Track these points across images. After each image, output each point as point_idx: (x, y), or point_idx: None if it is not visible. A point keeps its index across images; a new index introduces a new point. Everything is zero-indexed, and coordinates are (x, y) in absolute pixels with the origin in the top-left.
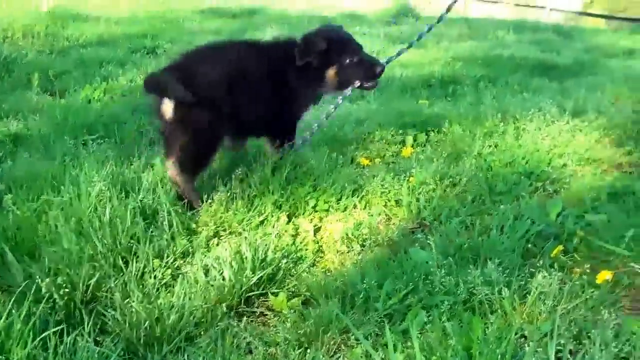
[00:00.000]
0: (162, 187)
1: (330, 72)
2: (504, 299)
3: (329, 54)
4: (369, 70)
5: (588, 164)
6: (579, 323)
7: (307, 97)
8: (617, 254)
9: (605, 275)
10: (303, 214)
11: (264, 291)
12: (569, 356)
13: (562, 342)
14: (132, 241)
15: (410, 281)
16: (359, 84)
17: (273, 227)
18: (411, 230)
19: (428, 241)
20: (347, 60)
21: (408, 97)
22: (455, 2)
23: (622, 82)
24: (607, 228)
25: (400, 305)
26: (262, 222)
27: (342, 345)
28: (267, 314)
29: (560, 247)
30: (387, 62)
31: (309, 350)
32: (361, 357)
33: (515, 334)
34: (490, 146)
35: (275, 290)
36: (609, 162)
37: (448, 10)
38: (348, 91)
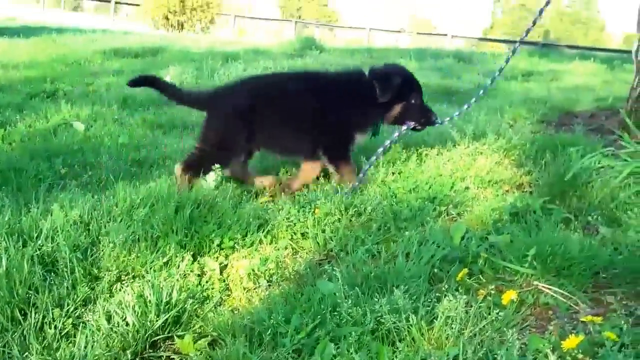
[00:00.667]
0: (62, 234)
1: (396, 108)
2: (411, 325)
3: (400, 91)
4: (426, 115)
5: (490, 186)
6: (487, 344)
7: (363, 126)
8: (521, 273)
9: (510, 296)
10: (208, 252)
11: (169, 334)
12: None
13: None
14: (30, 291)
15: (318, 314)
16: (412, 125)
17: (178, 267)
18: (318, 262)
19: (335, 272)
20: (413, 100)
21: None
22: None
23: (520, 103)
24: (510, 248)
25: (308, 339)
26: (166, 264)
27: None
28: (173, 358)
29: (465, 270)
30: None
31: None
32: None
33: (424, 359)
34: (394, 173)
35: (181, 333)
36: (509, 182)
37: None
38: (405, 129)
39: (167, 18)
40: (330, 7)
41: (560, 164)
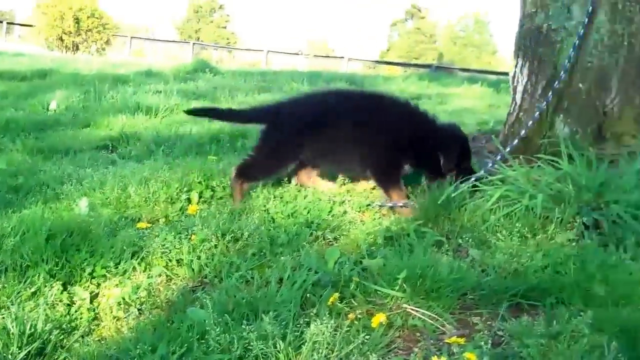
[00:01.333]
0: None
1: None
2: (279, 352)
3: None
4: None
5: (367, 210)
6: None
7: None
8: (391, 296)
9: (379, 319)
10: (80, 281)
11: None
12: None
13: None
14: None
15: (185, 342)
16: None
17: (46, 297)
18: (192, 289)
19: (205, 299)
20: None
21: (197, 154)
22: None
23: None
24: (382, 272)
25: None
26: (34, 294)
27: None
28: None
29: (336, 295)
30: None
31: None
32: None
33: None
34: (275, 198)
35: None
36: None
37: None
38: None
39: (61, 39)
40: (229, 30)
41: (435, 187)
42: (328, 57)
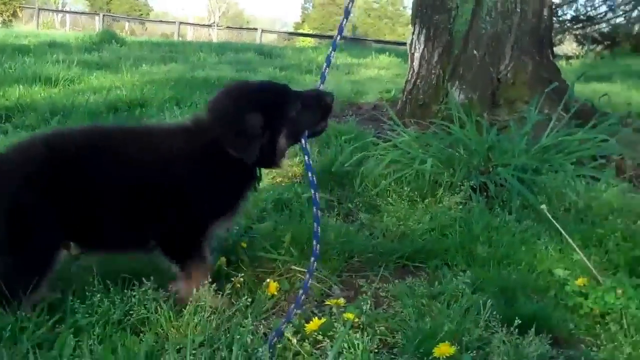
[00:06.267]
0: None
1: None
2: (160, 315)
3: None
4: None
5: (266, 177)
6: (233, 331)
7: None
8: (279, 260)
9: (265, 282)
10: None
11: None
12: None
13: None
14: None
15: None
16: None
17: None
18: None
19: None
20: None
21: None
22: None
23: None
24: (271, 236)
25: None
26: None
27: None
28: None
29: (224, 259)
30: None
31: None
32: None
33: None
34: None
35: None
36: (281, 174)
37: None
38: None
39: None
40: (142, 1)
41: (332, 153)
42: (242, 28)
